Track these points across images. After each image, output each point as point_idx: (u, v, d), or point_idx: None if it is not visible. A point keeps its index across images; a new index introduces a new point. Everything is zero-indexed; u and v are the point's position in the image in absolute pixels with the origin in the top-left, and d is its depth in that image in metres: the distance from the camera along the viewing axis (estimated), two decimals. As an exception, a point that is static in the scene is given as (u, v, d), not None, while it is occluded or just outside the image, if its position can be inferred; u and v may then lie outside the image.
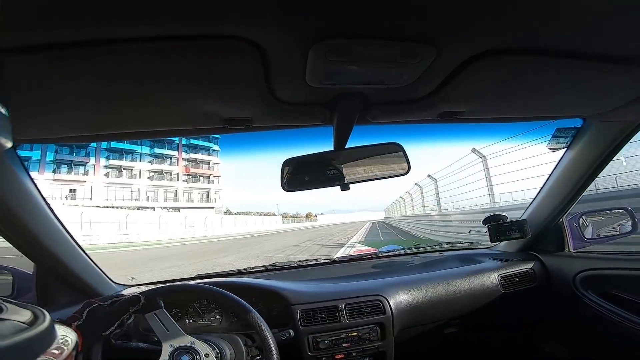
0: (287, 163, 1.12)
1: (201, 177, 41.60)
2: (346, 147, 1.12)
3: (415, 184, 15.10)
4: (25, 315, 0.46)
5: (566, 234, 1.69)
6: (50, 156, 28.47)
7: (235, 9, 0.56)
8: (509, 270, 1.67)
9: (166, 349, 1.05)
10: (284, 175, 1.12)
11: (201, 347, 1.06)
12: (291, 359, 1.30)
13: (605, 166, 1.43)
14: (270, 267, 1.84)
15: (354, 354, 1.45)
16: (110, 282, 1.53)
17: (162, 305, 1.13)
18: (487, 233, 1.71)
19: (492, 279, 1.64)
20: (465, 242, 2.07)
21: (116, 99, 0.81)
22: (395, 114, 1.06)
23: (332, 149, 1.13)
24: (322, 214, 74.93)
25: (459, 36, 0.68)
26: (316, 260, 1.90)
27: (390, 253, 1.96)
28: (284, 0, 0.55)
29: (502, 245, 1.93)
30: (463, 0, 0.57)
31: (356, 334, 1.43)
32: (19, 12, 0.50)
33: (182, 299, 1.44)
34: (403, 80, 0.82)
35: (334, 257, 1.93)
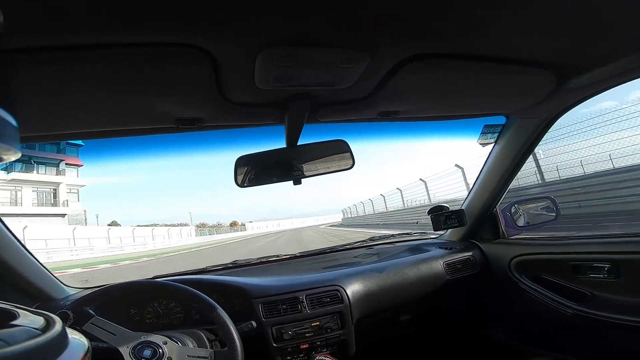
0: (240, 160, 1.18)
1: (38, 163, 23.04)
2: (297, 144, 1.21)
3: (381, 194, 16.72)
4: (38, 321, 0.47)
5: (500, 223, 1.87)
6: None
7: (185, 19, 0.63)
8: (452, 258, 1.81)
9: (124, 351, 1.02)
10: (238, 172, 1.18)
11: (156, 338, 1.05)
12: (257, 352, 1.32)
13: (527, 158, 1.63)
14: (231, 265, 1.86)
15: (318, 343, 1.50)
16: (62, 285, 1.49)
17: (93, 313, 1.08)
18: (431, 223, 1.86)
19: (438, 266, 1.76)
20: (414, 233, 2.23)
21: (70, 101, 0.85)
22: (341, 113, 1.16)
23: (284, 146, 1.21)
24: (250, 222, 66.44)
25: (387, 43, 0.79)
26: (277, 256, 1.95)
27: (347, 246, 2.06)
28: (231, 12, 0.62)
29: (447, 235, 2.09)
30: (389, 13, 0.67)
31: (318, 323, 1.49)
32: None
33: (140, 299, 1.43)
34: (345, 82, 0.91)
35: (296, 252, 1.99)
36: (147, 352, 1.02)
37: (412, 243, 2.10)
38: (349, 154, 1.23)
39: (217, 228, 55.69)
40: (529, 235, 1.85)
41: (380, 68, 0.89)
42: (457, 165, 11.77)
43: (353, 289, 1.57)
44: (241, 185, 1.19)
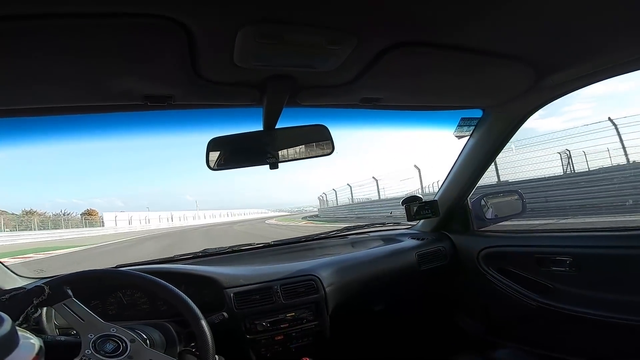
0: (213, 142, 1.12)
1: None
2: (275, 127, 1.16)
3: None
4: None
5: (470, 215, 1.92)
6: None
7: None
8: (424, 249, 1.83)
9: (85, 340, 0.94)
10: (210, 154, 1.12)
11: (125, 333, 0.97)
12: (230, 344, 1.26)
13: (499, 153, 1.68)
14: (201, 254, 1.78)
15: (293, 334, 1.48)
16: (14, 275, 1.37)
17: (71, 294, 0.99)
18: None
19: (411, 257, 1.78)
20: (388, 223, 2.25)
21: (33, 74, 0.76)
22: (322, 98, 1.13)
23: (262, 129, 1.16)
24: (121, 212, 39.05)
25: (376, 27, 0.76)
26: (250, 244, 1.90)
27: (322, 235, 2.05)
28: None
29: (420, 225, 2.13)
30: None
31: (293, 314, 1.46)
32: None
33: (103, 289, 1.34)
34: (329, 65, 0.88)
35: (269, 241, 1.94)
36: (110, 346, 0.94)
37: (386, 233, 2.12)
38: (329, 139, 1.20)
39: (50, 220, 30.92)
40: (497, 228, 1.91)
41: (365, 53, 0.87)
42: (415, 166, 12.99)
43: (329, 279, 1.55)
44: (213, 168, 1.13)
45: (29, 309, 0.95)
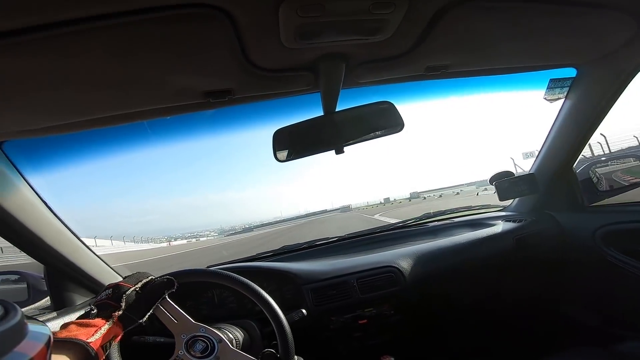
0: (278, 134, 1.10)
1: None
2: (336, 110, 1.10)
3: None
4: None
5: (578, 188, 1.63)
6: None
7: None
8: (524, 232, 1.61)
9: (179, 340, 0.99)
10: (277, 146, 1.11)
11: (213, 334, 1.01)
12: (308, 341, 1.25)
13: (605, 115, 1.38)
14: (280, 251, 1.83)
15: (372, 331, 1.42)
16: (120, 277, 1.54)
17: (166, 295, 1.00)
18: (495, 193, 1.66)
19: (508, 242, 1.58)
20: (475, 206, 2.02)
21: (88, 81, 0.78)
22: (381, 72, 1.03)
23: (322, 114, 1.11)
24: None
25: None
26: (325, 239, 1.88)
27: (399, 225, 1.92)
28: None
29: (515, 205, 1.87)
30: None
31: (371, 309, 1.40)
32: None
33: (196, 289, 1.44)
34: (382, 34, 0.79)
35: (344, 234, 1.90)
36: (200, 346, 0.99)
37: (473, 218, 1.91)
38: (396, 114, 1.09)
39: None
40: (617, 202, 1.59)
41: (423, 13, 0.76)
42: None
43: (410, 270, 1.46)
44: (282, 159, 1.12)
45: (159, 300, 0.96)
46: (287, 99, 1.10)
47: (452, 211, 1.98)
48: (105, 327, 0.79)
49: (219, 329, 1.06)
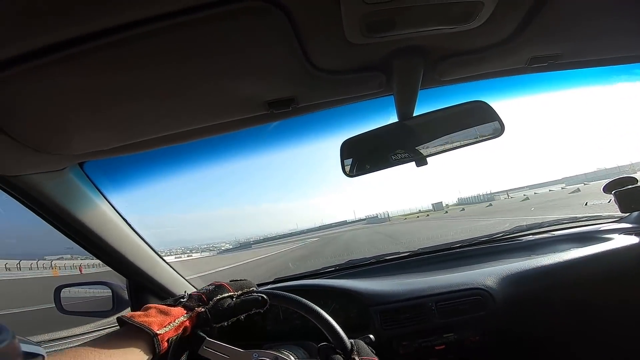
0: (346, 145, 0.98)
1: None
2: (413, 115, 0.94)
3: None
4: None
5: None
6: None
7: None
8: None
9: None
10: (345, 159, 0.98)
11: (269, 355, 0.95)
12: None
13: None
14: (346, 266, 1.73)
15: (450, 356, 1.27)
16: (194, 289, 1.57)
17: (205, 335, 0.95)
18: (615, 203, 1.33)
19: (630, 262, 1.28)
20: (582, 217, 1.67)
21: (149, 95, 0.73)
22: (469, 67, 0.85)
23: (397, 120, 0.95)
24: None
25: None
26: (396, 253, 1.72)
27: (483, 239, 1.67)
28: None
29: (635, 217, 1.50)
30: None
31: (451, 334, 1.25)
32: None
33: None
34: (474, 21, 0.63)
35: (416, 248, 1.71)
36: None
37: (580, 230, 1.58)
38: (494, 117, 0.89)
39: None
40: None
41: None
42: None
43: (500, 292, 1.26)
44: (350, 174, 0.99)
45: (243, 315, 0.93)
46: (354, 105, 0.96)
47: (551, 224, 1.65)
48: (180, 319, 0.80)
49: (278, 349, 1.01)
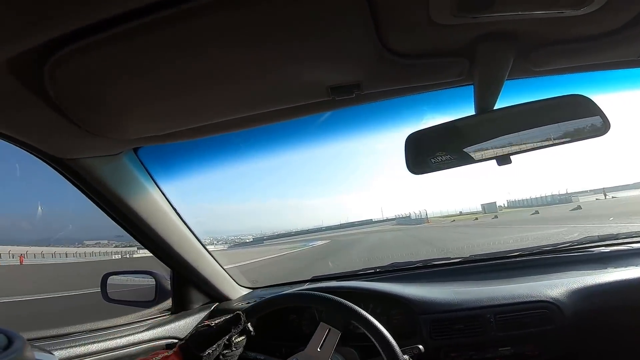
0: (413, 139, 0.89)
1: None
2: (494, 108, 0.84)
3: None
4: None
5: None
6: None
7: None
8: None
9: None
10: (409, 155, 0.89)
11: None
12: None
13: None
14: (389, 269, 1.64)
15: None
16: (236, 284, 1.56)
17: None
18: None
19: None
20: None
21: (205, 78, 0.68)
22: (570, 58, 0.75)
23: (474, 113, 0.86)
24: None
25: None
26: (447, 259, 1.61)
27: (547, 248, 1.52)
28: None
29: None
30: None
31: (509, 347, 1.16)
32: None
33: (298, 306, 1.37)
34: (589, 6, 0.54)
35: (468, 254, 1.59)
36: None
37: None
38: (597, 112, 0.78)
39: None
40: None
41: None
42: None
43: (570, 305, 1.16)
44: (415, 171, 0.89)
45: (226, 337, 1.01)
46: (426, 95, 0.88)
47: (629, 235, 1.47)
48: (159, 356, 0.93)
49: None
